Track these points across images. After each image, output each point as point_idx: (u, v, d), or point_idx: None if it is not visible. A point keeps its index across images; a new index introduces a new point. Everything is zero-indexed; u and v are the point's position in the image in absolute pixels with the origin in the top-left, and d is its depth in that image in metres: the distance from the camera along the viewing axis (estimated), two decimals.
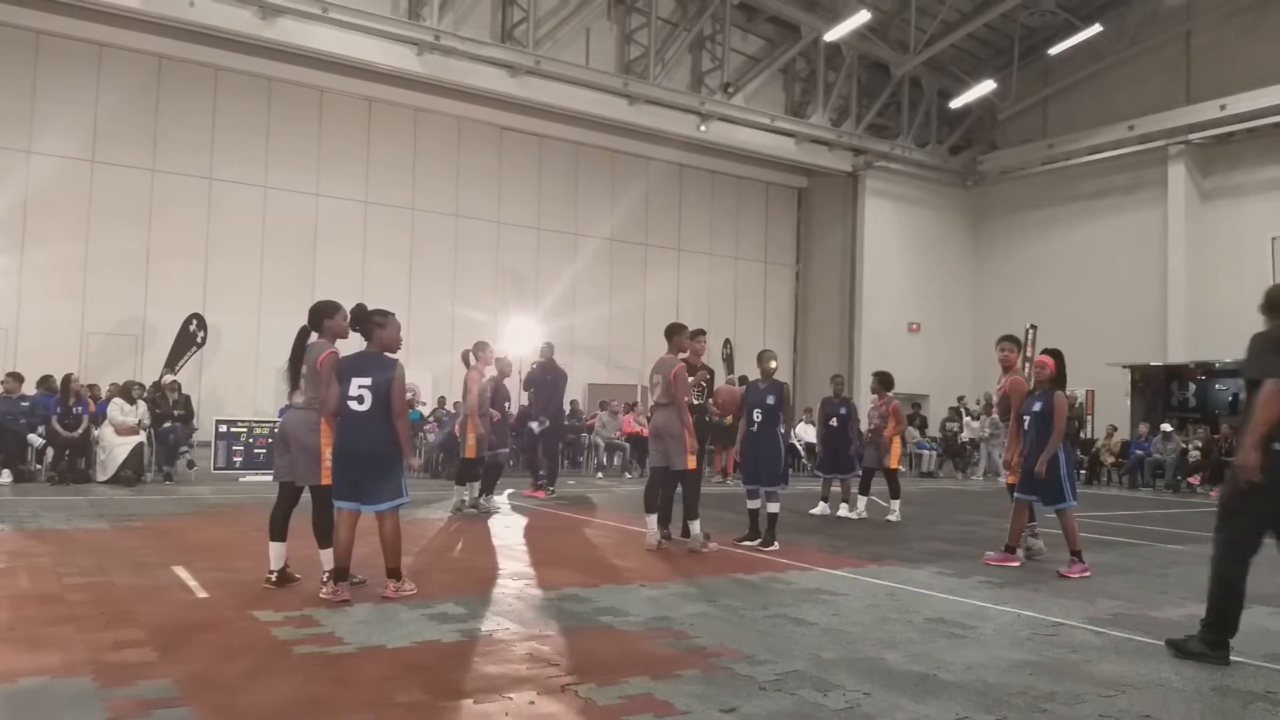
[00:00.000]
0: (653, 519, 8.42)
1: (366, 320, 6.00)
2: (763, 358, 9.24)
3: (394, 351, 6.00)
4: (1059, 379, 7.82)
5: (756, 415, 8.77)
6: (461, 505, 10.71)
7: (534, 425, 12.95)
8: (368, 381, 5.76)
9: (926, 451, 20.74)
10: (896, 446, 11.79)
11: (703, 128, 22.18)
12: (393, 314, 6.09)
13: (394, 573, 5.95)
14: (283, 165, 19.27)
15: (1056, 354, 7.99)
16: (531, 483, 13.11)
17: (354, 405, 5.77)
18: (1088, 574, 7.43)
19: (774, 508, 8.64)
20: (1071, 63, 24.28)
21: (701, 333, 8.97)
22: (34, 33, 16.88)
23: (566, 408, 16.30)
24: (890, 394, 11.74)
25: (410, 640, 4.88)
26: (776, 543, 8.51)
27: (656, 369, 8.48)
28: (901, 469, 12.78)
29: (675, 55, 22.00)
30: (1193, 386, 22.00)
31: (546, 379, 13.27)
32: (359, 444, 5.77)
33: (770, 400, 8.76)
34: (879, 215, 25.35)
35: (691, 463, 8.20)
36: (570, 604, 5.92)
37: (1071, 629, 5.62)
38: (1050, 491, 7.66)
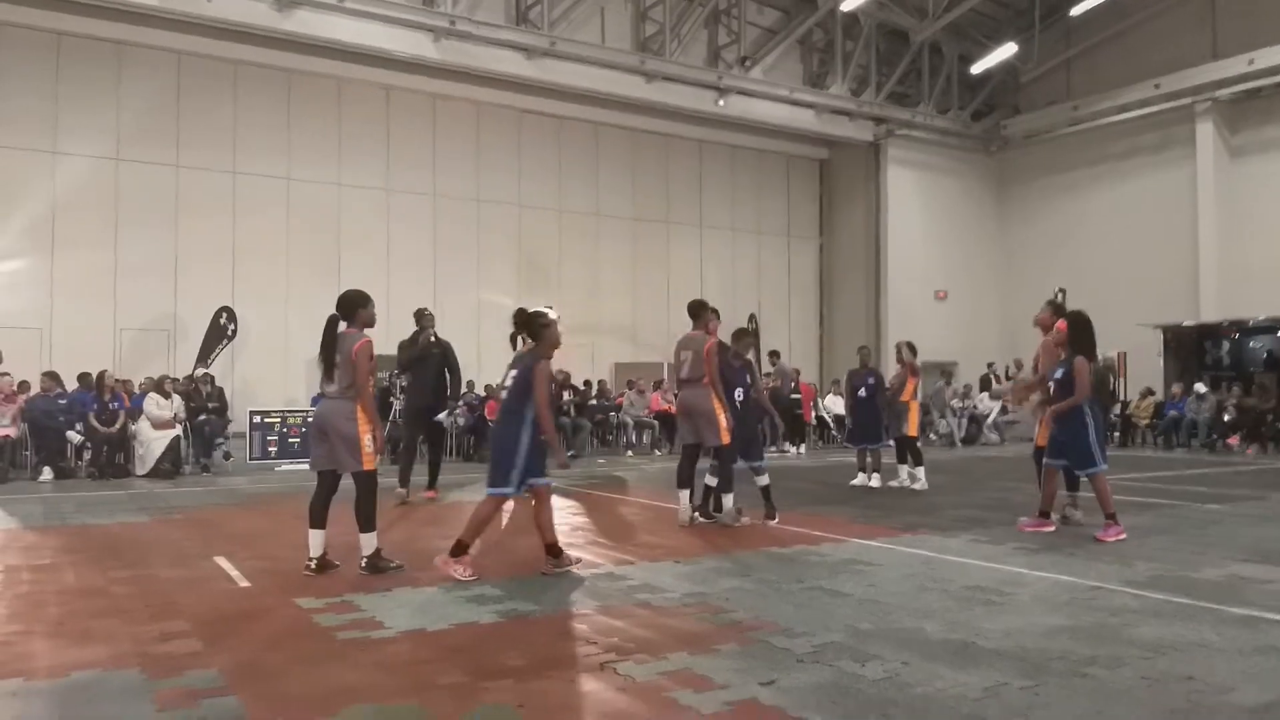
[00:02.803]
0: (685, 495, 8.44)
1: (530, 323, 6.33)
2: (738, 335, 9.12)
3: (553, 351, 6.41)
4: (1080, 343, 7.72)
5: (739, 394, 8.64)
6: None
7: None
8: (515, 374, 6.26)
9: (956, 419, 20.66)
10: (914, 413, 11.69)
11: (721, 102, 22.03)
12: (552, 318, 6.46)
13: (458, 547, 6.11)
14: (304, 156, 19.35)
15: (1073, 317, 7.89)
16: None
17: (503, 394, 6.34)
18: (1124, 537, 7.38)
19: (764, 480, 8.66)
20: (1094, 22, 23.84)
21: (715, 314, 8.78)
22: (55, 34, 17.01)
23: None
24: (909, 357, 11.63)
25: (449, 623, 4.94)
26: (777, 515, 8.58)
27: (684, 345, 8.44)
28: (931, 436, 12.72)
29: (691, 30, 21.83)
30: (1226, 345, 21.70)
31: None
32: (495, 429, 6.39)
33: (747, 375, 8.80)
34: (902, 184, 25.09)
35: (725, 438, 8.18)
36: (605, 582, 5.97)
37: (1110, 592, 5.59)
38: (1079, 455, 7.62)
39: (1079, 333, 7.77)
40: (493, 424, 6.54)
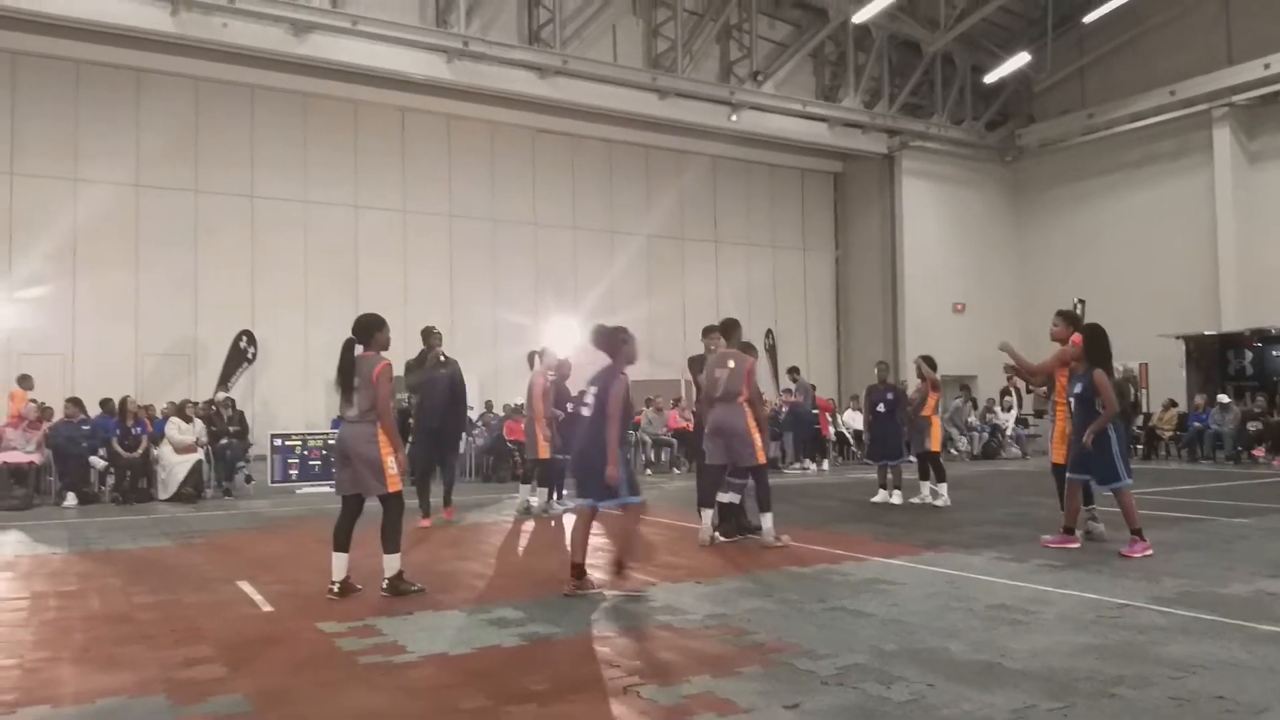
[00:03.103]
0: (708, 515, 8.41)
1: (613, 337, 6.50)
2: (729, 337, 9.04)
3: (631, 365, 6.58)
4: (1095, 355, 7.64)
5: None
6: (529, 507, 10.90)
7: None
8: (595, 390, 6.39)
9: (976, 435, 20.55)
10: (936, 428, 11.61)
11: (734, 118, 22.07)
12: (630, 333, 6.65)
13: (618, 567, 6.38)
14: (321, 179, 19.51)
15: (1090, 329, 7.82)
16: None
17: (583, 410, 6.42)
18: (1150, 553, 7.30)
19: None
20: (1108, 29, 23.77)
21: (714, 329, 8.89)
22: (74, 62, 17.24)
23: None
24: (928, 371, 11.57)
25: (471, 646, 4.94)
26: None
27: (716, 363, 8.35)
28: (952, 451, 12.65)
29: (703, 46, 21.91)
30: (1249, 354, 21.47)
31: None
32: (583, 446, 6.44)
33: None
34: (917, 196, 25.04)
35: (761, 457, 8.18)
36: (628, 604, 5.95)
37: (1137, 610, 5.53)
38: (1103, 470, 7.53)
39: (1095, 345, 7.68)
40: (577, 442, 6.61)
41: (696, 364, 9.17)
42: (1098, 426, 7.40)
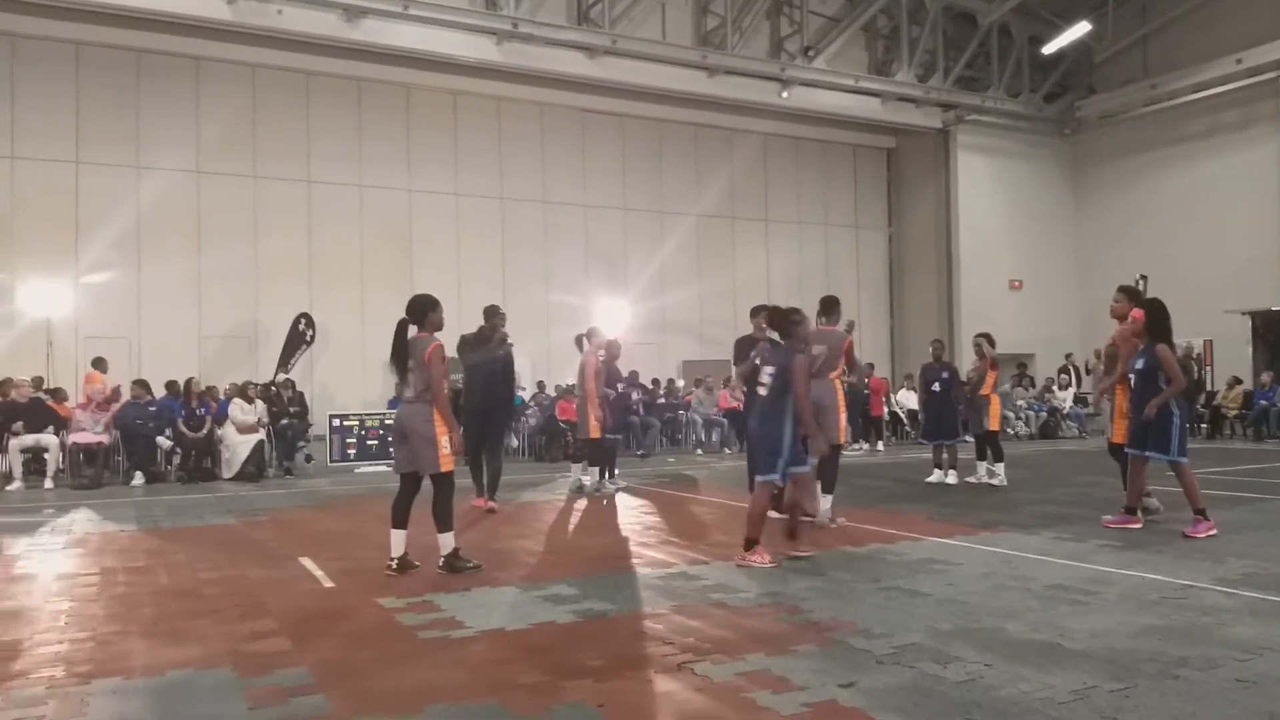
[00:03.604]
0: (826, 499, 8.30)
1: (783, 321, 6.65)
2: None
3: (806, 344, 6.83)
4: (1158, 331, 7.45)
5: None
6: (581, 486, 10.97)
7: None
8: (772, 369, 6.55)
9: (1033, 414, 20.20)
10: (996, 407, 11.44)
11: (785, 94, 21.83)
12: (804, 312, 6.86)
13: (749, 544, 6.47)
14: (375, 163, 19.75)
15: (1150, 304, 7.62)
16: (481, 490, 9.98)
17: (760, 390, 6.59)
18: (1214, 533, 7.14)
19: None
20: None
21: (764, 308, 8.78)
22: (135, 52, 17.64)
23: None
24: (991, 352, 11.40)
25: (527, 622, 5.00)
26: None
27: (818, 339, 8.22)
28: (1008, 433, 12.46)
29: (753, 23, 21.68)
30: None
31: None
32: (757, 423, 6.65)
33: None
34: (973, 171, 24.58)
35: (841, 436, 8.31)
36: (680, 582, 5.98)
37: (1201, 591, 5.42)
38: (1159, 443, 7.32)
39: (1157, 321, 7.50)
40: (753, 418, 6.77)
41: (744, 346, 9.09)
42: (1162, 400, 7.24)
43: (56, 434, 13.03)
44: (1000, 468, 11.13)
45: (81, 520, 9.44)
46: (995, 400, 11.44)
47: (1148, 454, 7.43)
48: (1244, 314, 20.62)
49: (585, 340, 11.15)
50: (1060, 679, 3.90)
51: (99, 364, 14.07)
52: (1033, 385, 21.18)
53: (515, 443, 10.99)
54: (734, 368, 10.03)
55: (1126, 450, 7.72)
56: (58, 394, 14.04)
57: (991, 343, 11.46)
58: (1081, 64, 25.56)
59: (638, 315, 21.86)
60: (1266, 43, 21.03)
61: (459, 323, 9.78)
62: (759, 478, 6.57)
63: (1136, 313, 7.67)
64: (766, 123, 23.53)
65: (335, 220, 19.27)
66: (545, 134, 21.58)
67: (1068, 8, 24.12)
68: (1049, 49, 23.86)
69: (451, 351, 7.13)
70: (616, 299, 21.66)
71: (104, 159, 17.41)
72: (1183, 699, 3.65)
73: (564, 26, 19.41)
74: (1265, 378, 18.77)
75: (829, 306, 8.67)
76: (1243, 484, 10.70)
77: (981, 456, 11.37)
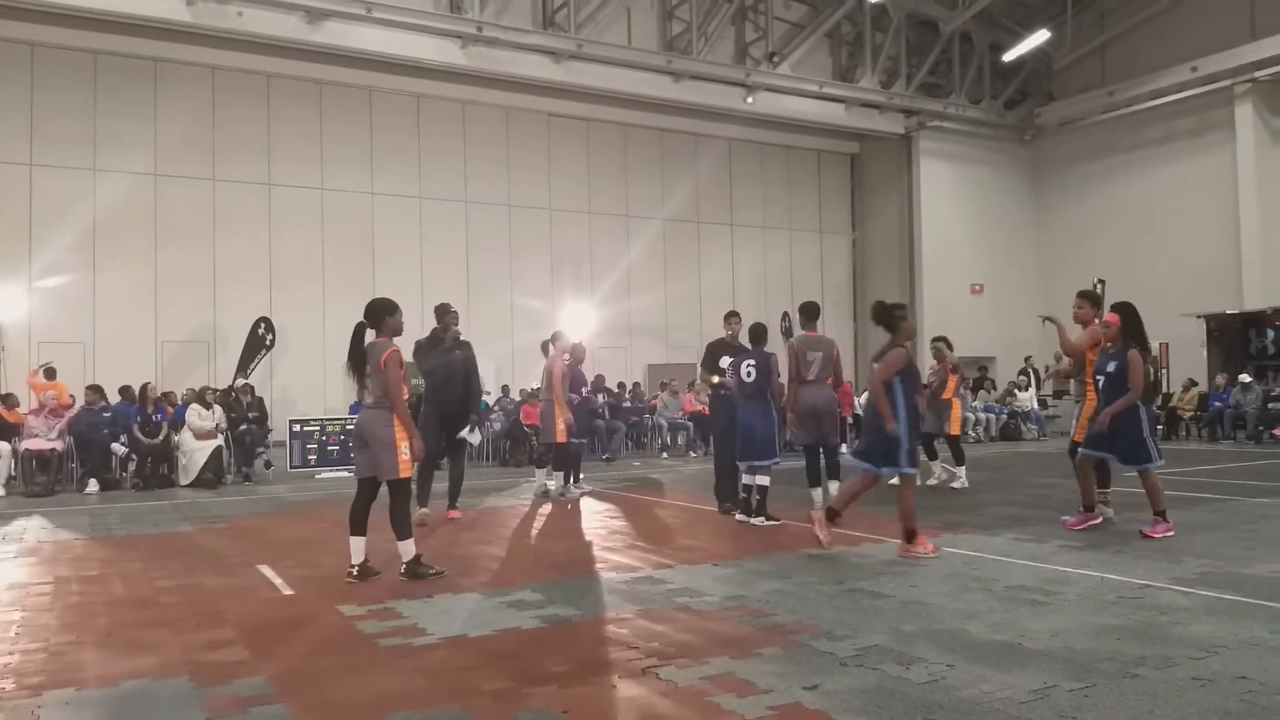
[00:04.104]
0: (818, 493, 8.87)
1: (889, 315, 6.86)
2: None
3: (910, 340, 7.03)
4: (1135, 335, 7.56)
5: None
6: (546, 491, 10.91)
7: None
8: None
9: (993, 416, 20.41)
10: (957, 411, 11.57)
11: (750, 99, 21.95)
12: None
13: (908, 535, 6.76)
14: (337, 166, 19.56)
15: (1123, 309, 7.70)
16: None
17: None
18: (1171, 533, 7.25)
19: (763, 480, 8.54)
20: (1128, 6, 23.51)
21: (736, 314, 9.51)
22: (91, 53, 17.33)
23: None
24: (952, 356, 11.54)
25: (491, 629, 4.96)
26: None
27: (811, 346, 8.77)
28: (969, 436, 12.59)
29: (718, 28, 21.78)
30: (1271, 333, 21.23)
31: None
32: (866, 414, 7.14)
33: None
34: (935, 176, 24.85)
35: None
36: (645, 586, 5.96)
37: (1158, 590, 5.50)
38: (1133, 451, 7.44)
39: (1134, 324, 7.59)
40: (865, 410, 7.29)
41: (715, 350, 9.24)
42: (1118, 407, 7.34)
43: (9, 440, 12.76)
44: (961, 470, 11.24)
45: (34, 528, 9.24)
46: (957, 404, 11.55)
47: (1133, 468, 7.49)
48: (1199, 317, 21.02)
49: (551, 345, 11.12)
50: (1021, 679, 3.93)
51: (49, 374, 13.85)
52: (994, 388, 21.41)
53: (478, 438, 10.26)
54: (699, 369, 10.29)
55: (1080, 451, 7.82)
56: (8, 400, 13.76)
57: (950, 346, 11.58)
58: (1041, 71, 25.94)
59: (603, 319, 21.85)
60: (1221, 51, 21.48)
61: (422, 327, 9.69)
62: (903, 470, 6.70)
63: (1111, 316, 7.71)
64: (731, 128, 23.63)
65: (296, 223, 19.06)
66: (510, 137, 21.51)
67: (1028, 16, 24.49)
68: (1009, 56, 24.22)
69: (410, 355, 7.02)
70: (582, 303, 21.64)
71: (59, 161, 17.08)
72: (1140, 698, 3.69)
73: (529, 30, 19.36)
74: (1220, 380, 19.13)
75: (813, 313, 9.01)
76: (1199, 484, 10.89)
77: (933, 458, 11.51)
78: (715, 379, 9.13)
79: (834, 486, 8.65)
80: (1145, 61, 23.25)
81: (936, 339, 11.81)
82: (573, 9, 19.56)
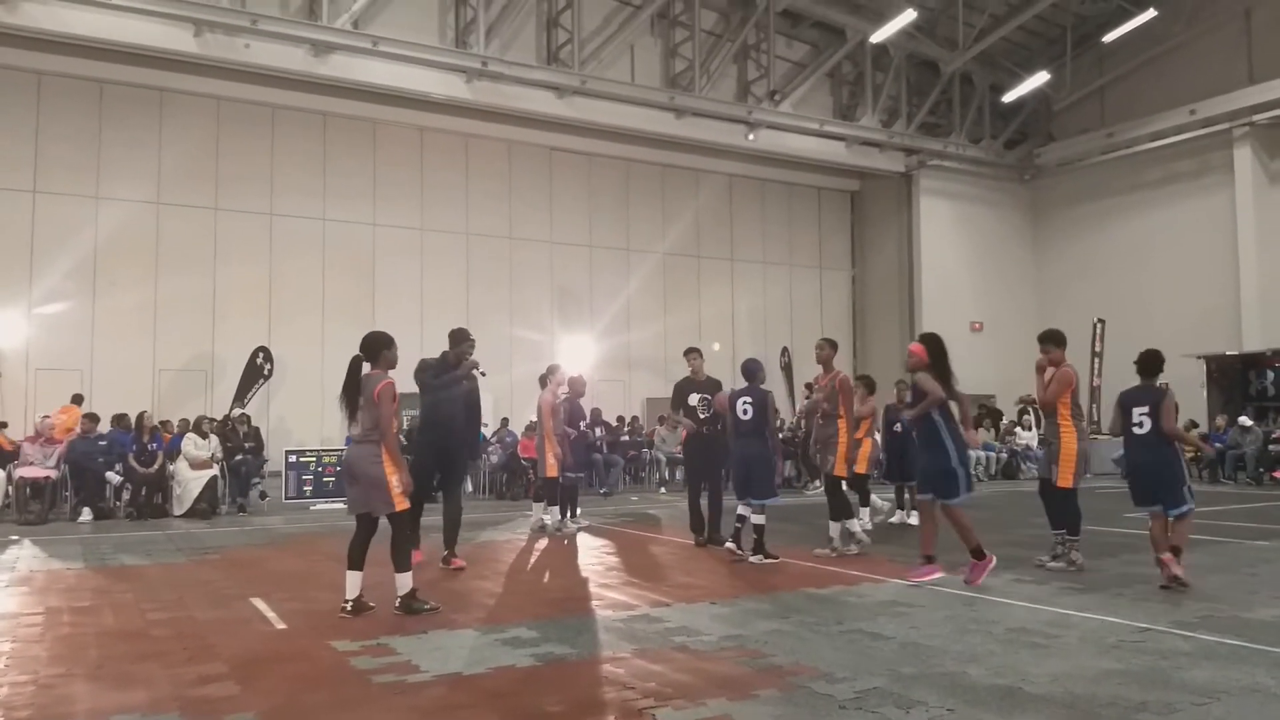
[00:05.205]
0: (835, 527, 8.97)
1: (936, 345, 7.37)
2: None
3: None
4: (937, 366, 7.38)
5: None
6: (543, 525, 10.82)
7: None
8: (1145, 409, 7.05)
9: (992, 454, 20.35)
10: (866, 449, 11.43)
11: (751, 137, 22.11)
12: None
13: (975, 552, 7.14)
14: (340, 197, 19.65)
15: (928, 339, 7.60)
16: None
17: (1136, 430, 7.11)
18: (940, 576, 7.15)
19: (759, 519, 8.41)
20: (1127, 49, 23.74)
21: (696, 349, 9.96)
22: (97, 83, 17.46)
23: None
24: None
25: (486, 666, 4.90)
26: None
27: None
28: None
29: (720, 66, 21.98)
30: (1270, 375, 21.25)
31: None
32: (1143, 458, 7.12)
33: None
34: (935, 215, 24.98)
35: (842, 469, 9.05)
36: (642, 624, 5.90)
37: (1160, 634, 5.45)
38: (939, 482, 7.22)
39: (938, 356, 7.46)
40: (918, 439, 7.45)
41: (683, 388, 9.49)
42: (918, 412, 7.25)
43: (3, 467, 12.69)
44: (866, 513, 11.07)
45: (26, 557, 9.16)
46: (867, 444, 11.39)
47: (941, 501, 7.28)
48: (1199, 358, 21.02)
49: (548, 378, 11.10)
50: None
51: (77, 400, 14.38)
52: (991, 427, 21.35)
53: (469, 488, 9.75)
54: (670, 411, 10.77)
55: (919, 495, 7.66)
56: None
57: (871, 388, 11.51)
58: (1041, 112, 26.16)
59: (602, 352, 21.85)
60: (1219, 94, 21.69)
61: (421, 357, 9.66)
62: (954, 500, 7.07)
63: (916, 346, 7.55)
64: (733, 164, 23.79)
65: (297, 253, 19.10)
66: (513, 171, 21.63)
67: (1027, 58, 24.76)
68: (1009, 97, 24.47)
69: (405, 387, 6.84)
70: (581, 335, 21.66)
71: (62, 188, 17.16)
72: None
73: (533, 66, 19.54)
74: (1220, 421, 19.09)
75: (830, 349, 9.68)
76: (1199, 527, 10.77)
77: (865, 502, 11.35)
78: (679, 418, 9.71)
79: (836, 529, 8.79)
80: (1144, 104, 23.46)
81: (860, 377, 11.72)
82: (577, 45, 19.75)
